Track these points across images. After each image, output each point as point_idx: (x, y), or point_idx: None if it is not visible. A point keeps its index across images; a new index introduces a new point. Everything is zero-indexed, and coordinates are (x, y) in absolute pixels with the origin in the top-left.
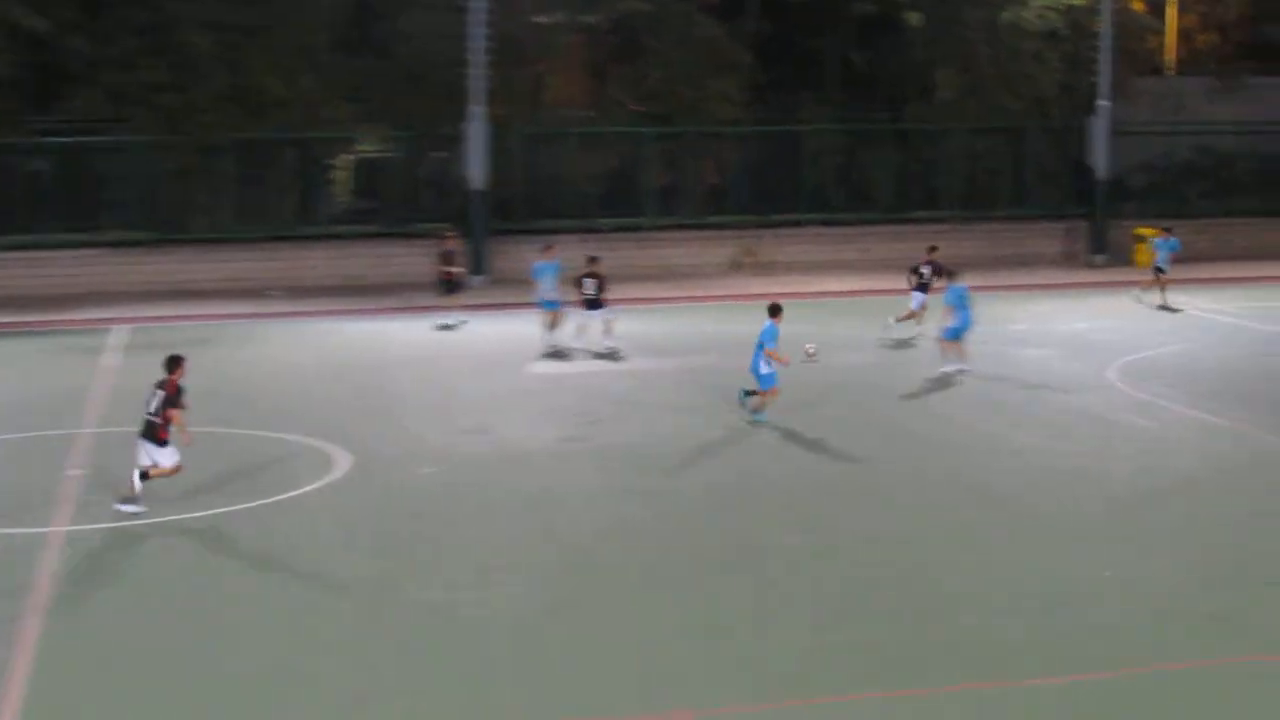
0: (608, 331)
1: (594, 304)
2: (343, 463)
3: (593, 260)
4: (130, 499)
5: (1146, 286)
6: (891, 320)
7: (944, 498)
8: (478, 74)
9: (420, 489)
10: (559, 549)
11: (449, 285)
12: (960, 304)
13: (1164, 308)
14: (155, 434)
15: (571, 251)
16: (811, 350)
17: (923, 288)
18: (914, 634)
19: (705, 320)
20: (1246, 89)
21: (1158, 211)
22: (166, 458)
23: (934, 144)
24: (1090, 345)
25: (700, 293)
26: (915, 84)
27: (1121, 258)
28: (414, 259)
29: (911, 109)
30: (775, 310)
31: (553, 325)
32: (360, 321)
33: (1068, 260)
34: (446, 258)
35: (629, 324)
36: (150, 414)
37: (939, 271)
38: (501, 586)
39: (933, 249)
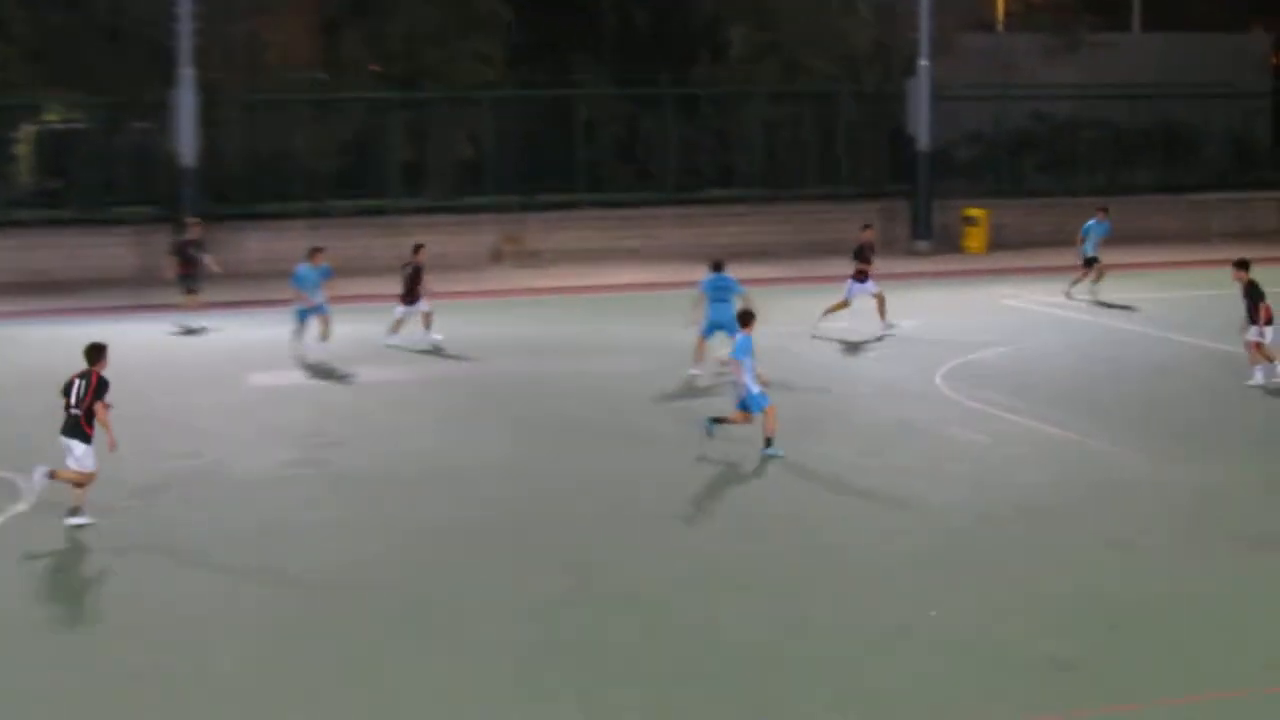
0: (427, 326)
1: (412, 297)
2: (27, 495)
3: (419, 248)
4: (77, 510)
5: (1079, 279)
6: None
7: (743, 528)
8: (185, 30)
9: (116, 528)
10: (275, 599)
11: (187, 280)
12: (719, 296)
13: (1100, 303)
14: (80, 429)
15: (298, 242)
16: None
17: (862, 274)
18: (702, 696)
19: (461, 321)
20: (1086, 47)
21: (989, 189)
22: (88, 458)
23: (728, 112)
24: (914, 346)
25: (454, 288)
26: (705, 42)
27: (948, 243)
28: (113, 250)
29: (701, 71)
30: (747, 319)
31: (325, 335)
32: (50, 325)
33: (886, 246)
34: (180, 249)
35: (367, 327)
36: (73, 408)
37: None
38: (208, 647)
39: (867, 228)
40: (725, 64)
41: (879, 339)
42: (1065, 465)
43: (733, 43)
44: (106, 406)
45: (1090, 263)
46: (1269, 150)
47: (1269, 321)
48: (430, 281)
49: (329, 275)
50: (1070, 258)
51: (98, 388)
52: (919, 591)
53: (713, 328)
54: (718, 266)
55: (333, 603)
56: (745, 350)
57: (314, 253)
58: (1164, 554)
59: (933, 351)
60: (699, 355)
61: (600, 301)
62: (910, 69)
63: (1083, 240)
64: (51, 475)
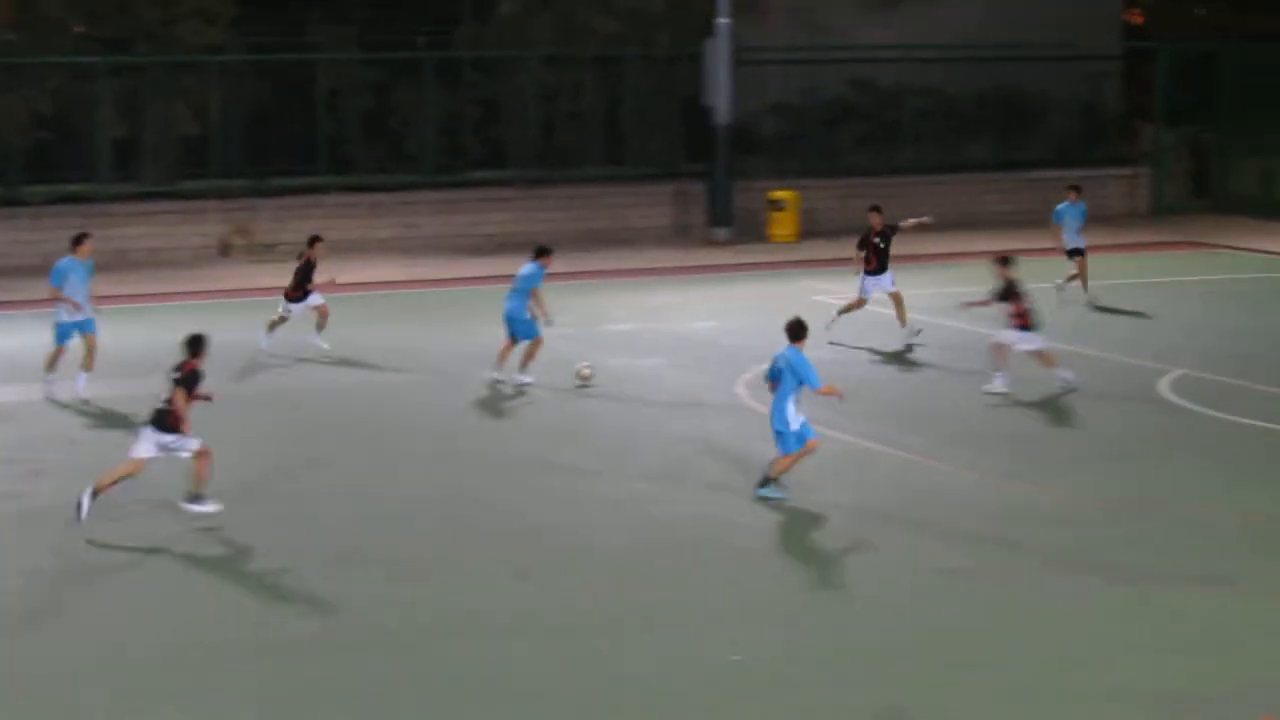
0: (320, 326)
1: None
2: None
3: (315, 240)
4: (197, 497)
5: (1072, 277)
6: (834, 313)
7: (520, 560)
8: None
9: None
10: None
11: None
12: (516, 287)
13: (1093, 305)
14: (165, 422)
15: None
16: (587, 372)
17: (881, 267)
18: None
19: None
20: (912, 3)
21: (799, 168)
22: (192, 441)
23: (497, 80)
24: (715, 351)
25: (173, 288)
26: None
27: (752, 230)
28: None
29: (465, 33)
30: (799, 331)
31: (89, 349)
32: None
33: (681, 235)
34: None
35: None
36: (164, 400)
37: (894, 232)
38: None
39: (875, 209)
40: (493, 24)
41: (907, 348)
42: (887, 483)
43: None
44: (191, 398)
45: (1076, 254)
46: (1120, 120)
47: (1023, 326)
48: (328, 275)
49: (92, 272)
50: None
51: (186, 380)
52: (740, 632)
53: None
54: (540, 254)
55: None
56: (805, 366)
57: (79, 242)
58: (998, 582)
59: (733, 356)
60: (502, 358)
61: (351, 303)
62: (708, 29)
63: (1059, 228)
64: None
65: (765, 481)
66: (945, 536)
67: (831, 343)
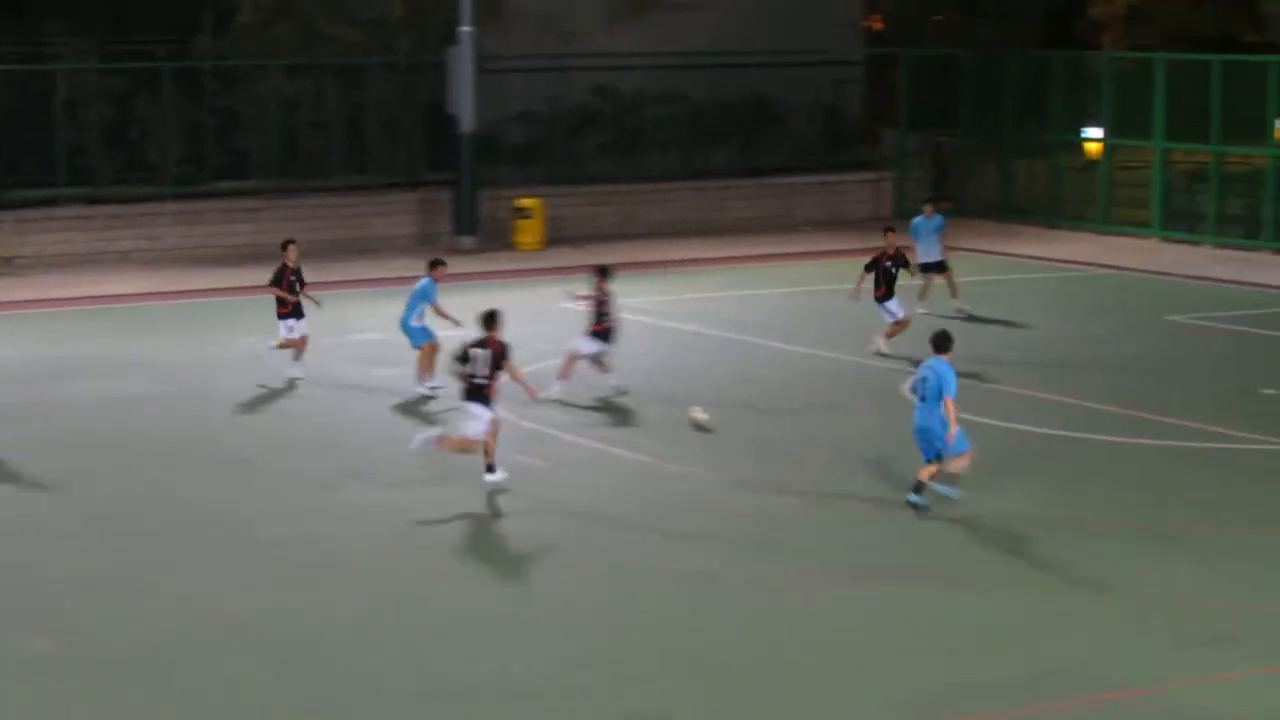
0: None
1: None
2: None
3: (289, 242)
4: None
5: (955, 293)
6: (879, 342)
7: (254, 577)
8: None
9: None
10: None
11: None
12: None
13: (967, 315)
14: (483, 395)
15: None
16: (702, 417)
17: (889, 292)
18: None
19: None
20: (657, 9)
21: (544, 176)
22: (483, 424)
23: (238, 89)
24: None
25: None
26: (209, 7)
27: (498, 239)
28: None
29: (205, 41)
30: (945, 343)
31: None
32: None
33: (426, 244)
34: None
35: None
36: (481, 376)
37: (904, 264)
38: None
39: (890, 230)
40: (233, 33)
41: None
42: (633, 490)
43: (240, 6)
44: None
45: (938, 268)
46: (862, 125)
47: (601, 334)
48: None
49: None
50: (635, 252)
51: (503, 354)
52: (480, 643)
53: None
54: (431, 265)
55: None
56: (950, 376)
57: None
58: (746, 588)
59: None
60: (426, 366)
61: (93, 316)
62: (451, 37)
63: (914, 242)
64: (439, 441)
65: (919, 488)
66: (690, 540)
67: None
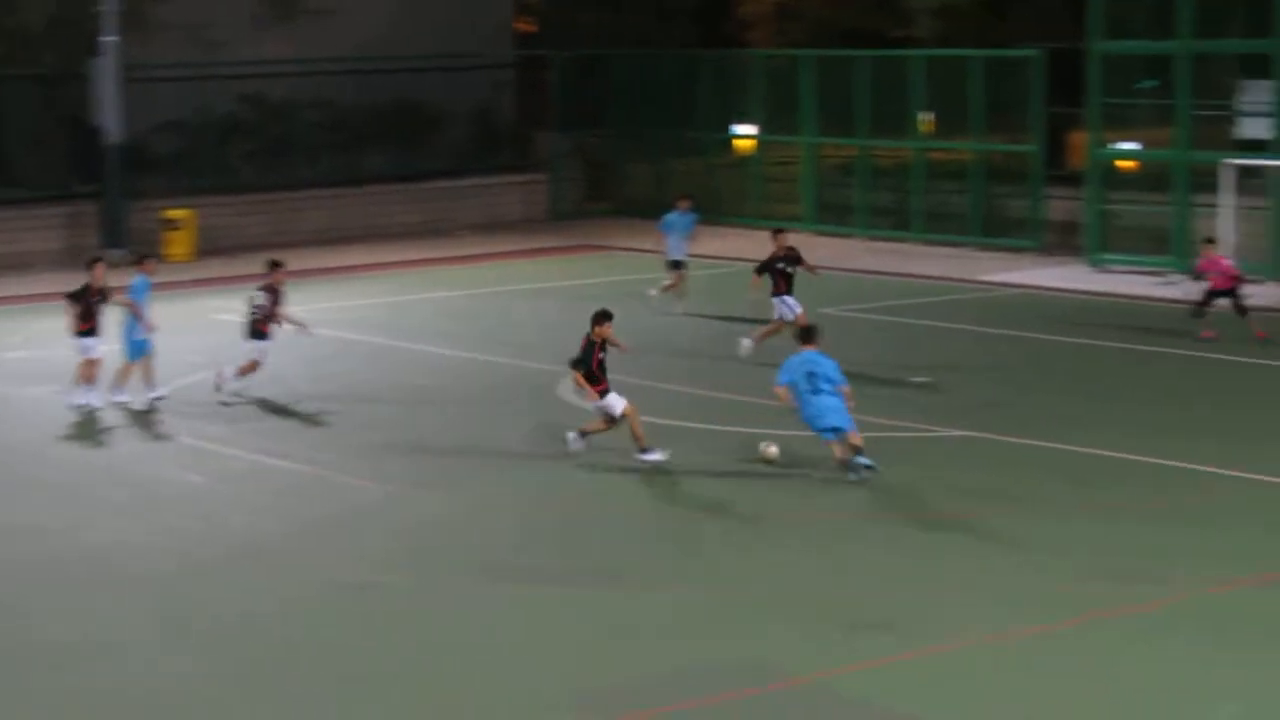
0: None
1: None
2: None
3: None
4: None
5: (668, 288)
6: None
7: None
8: None
9: None
10: None
11: None
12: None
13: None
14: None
15: None
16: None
17: (786, 287)
18: None
19: None
20: (303, 15)
21: (195, 186)
22: (612, 404)
23: None
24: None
25: None
26: None
27: (149, 250)
28: None
29: None
30: (811, 335)
31: None
32: None
33: (75, 258)
34: None
35: None
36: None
37: (797, 261)
38: None
39: (780, 232)
40: None
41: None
42: (294, 501)
43: None
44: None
45: (678, 265)
46: (516, 128)
47: (262, 334)
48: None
49: None
50: (291, 260)
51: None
52: (135, 658)
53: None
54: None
55: None
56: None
57: None
58: (410, 594)
59: (132, 380)
60: (147, 376)
61: None
62: (94, 47)
63: (664, 236)
64: (583, 434)
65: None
66: (355, 550)
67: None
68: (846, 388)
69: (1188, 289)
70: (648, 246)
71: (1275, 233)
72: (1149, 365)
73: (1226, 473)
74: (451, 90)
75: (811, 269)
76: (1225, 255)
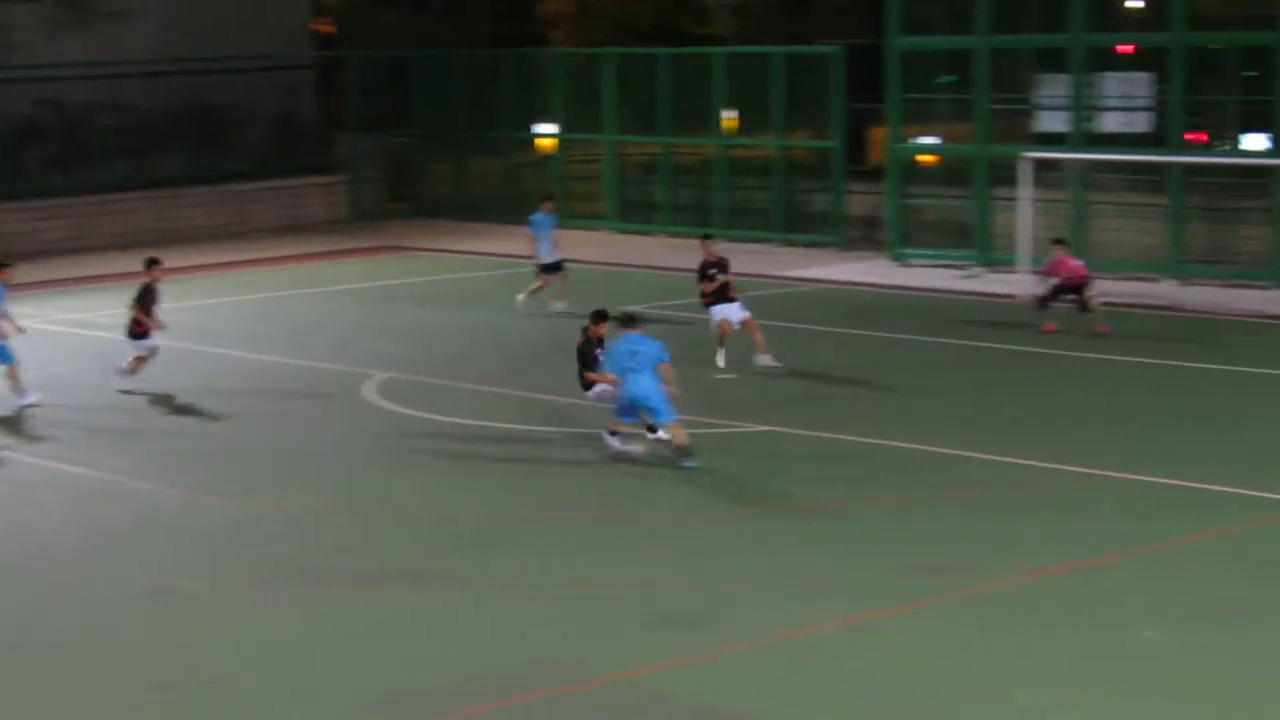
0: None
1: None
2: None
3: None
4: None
5: (535, 290)
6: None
7: None
8: None
9: None
10: None
11: None
12: None
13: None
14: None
15: None
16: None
17: (724, 295)
18: None
19: None
20: (99, 18)
21: None
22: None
23: None
24: None
25: None
26: None
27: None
28: None
29: None
30: (633, 320)
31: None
32: None
33: None
34: None
35: None
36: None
37: (724, 269)
38: None
39: (708, 238)
40: None
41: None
42: (86, 507)
43: None
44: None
45: (554, 268)
46: (316, 129)
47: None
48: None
49: None
50: (91, 265)
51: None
52: None
53: None
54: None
55: None
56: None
57: None
58: (208, 599)
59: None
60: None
61: None
62: None
63: (534, 238)
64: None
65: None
66: (155, 556)
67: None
68: (667, 364)
69: (988, 281)
70: (448, 247)
71: (1073, 225)
72: (953, 357)
73: (1032, 463)
74: (249, 92)
75: (730, 285)
76: (1073, 255)
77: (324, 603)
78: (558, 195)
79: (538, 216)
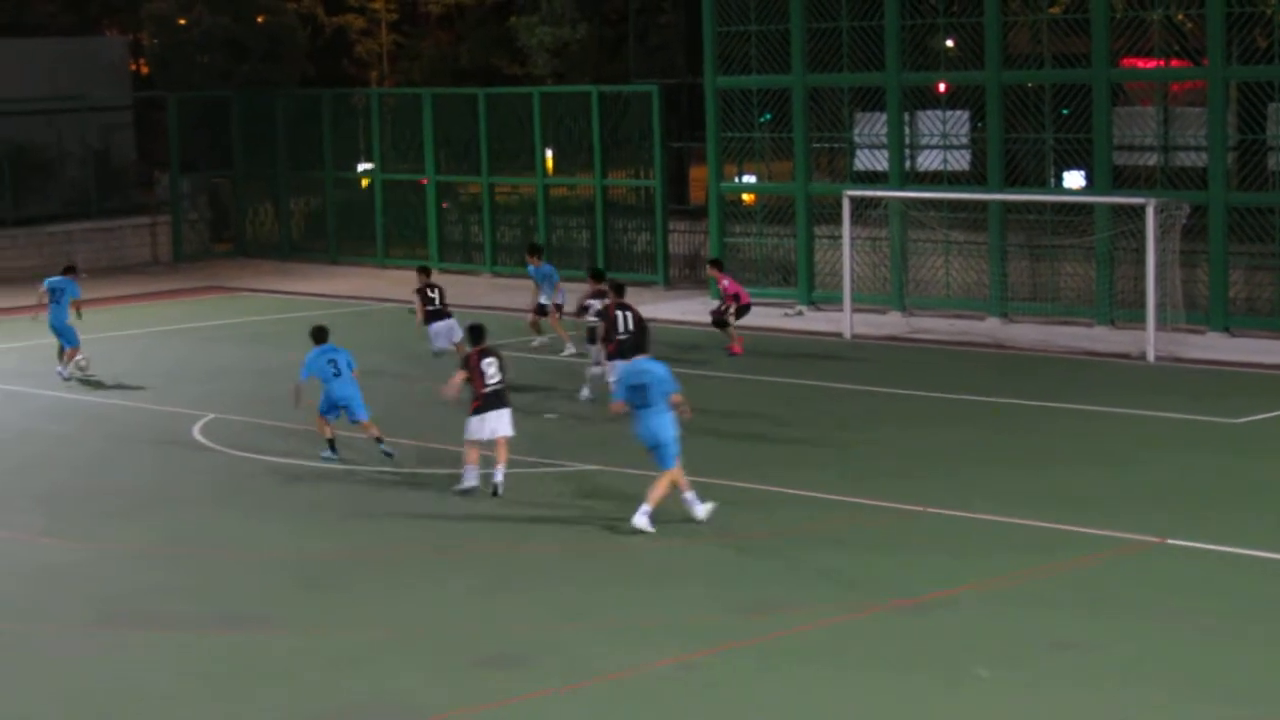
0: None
1: None
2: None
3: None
4: None
5: (534, 325)
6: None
7: None
8: None
9: None
10: None
11: None
12: None
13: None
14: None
15: None
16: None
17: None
18: None
19: None
20: None
21: None
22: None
23: None
24: None
25: None
26: None
27: None
28: None
29: None
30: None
31: None
32: None
33: None
34: None
35: None
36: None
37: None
38: None
39: (597, 275)
40: None
41: None
42: None
43: None
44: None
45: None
46: (135, 169)
47: None
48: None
49: None
50: None
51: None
52: None
53: None
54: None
55: None
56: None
57: None
58: (26, 641)
59: None
60: None
61: None
62: None
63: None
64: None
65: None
66: None
67: None
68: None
69: (811, 319)
70: (271, 287)
71: (895, 262)
72: (776, 394)
73: (859, 501)
74: (68, 133)
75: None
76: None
77: (148, 644)
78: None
79: (537, 269)
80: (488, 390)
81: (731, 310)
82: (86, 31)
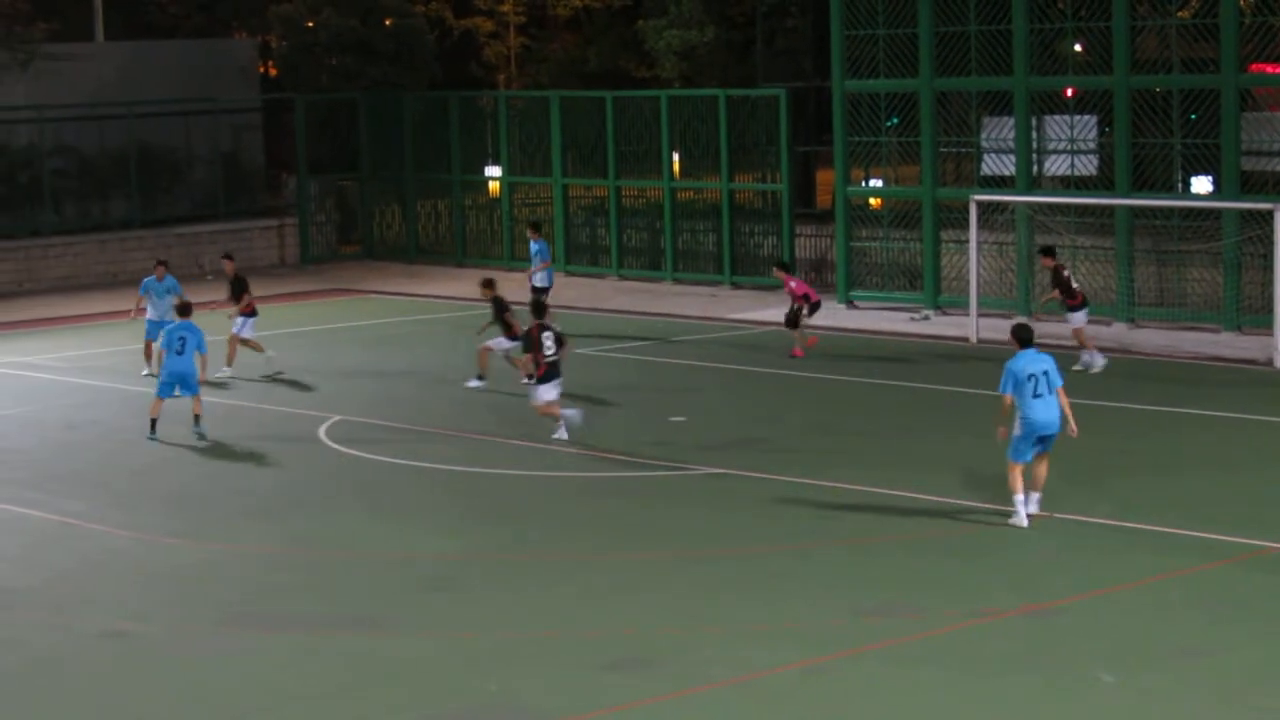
0: None
1: None
2: None
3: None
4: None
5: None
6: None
7: None
8: None
9: None
10: None
11: None
12: None
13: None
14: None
15: None
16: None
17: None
18: None
19: None
20: (46, 63)
21: None
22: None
23: None
24: None
25: None
26: None
27: None
28: None
29: None
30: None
31: None
32: None
33: None
34: None
35: None
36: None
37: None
38: None
39: (488, 283)
40: None
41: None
42: (40, 550)
43: None
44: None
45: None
46: (262, 171)
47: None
48: None
49: None
50: (38, 308)
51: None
52: None
53: None
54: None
55: None
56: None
57: None
58: (165, 641)
59: None
60: None
61: None
62: None
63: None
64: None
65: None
66: (108, 598)
67: None
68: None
69: (938, 324)
70: (398, 289)
71: (1022, 267)
72: (903, 399)
73: (983, 505)
74: (197, 135)
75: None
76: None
77: (277, 646)
78: (501, 238)
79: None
80: (548, 360)
81: (805, 310)
82: (215, 34)
